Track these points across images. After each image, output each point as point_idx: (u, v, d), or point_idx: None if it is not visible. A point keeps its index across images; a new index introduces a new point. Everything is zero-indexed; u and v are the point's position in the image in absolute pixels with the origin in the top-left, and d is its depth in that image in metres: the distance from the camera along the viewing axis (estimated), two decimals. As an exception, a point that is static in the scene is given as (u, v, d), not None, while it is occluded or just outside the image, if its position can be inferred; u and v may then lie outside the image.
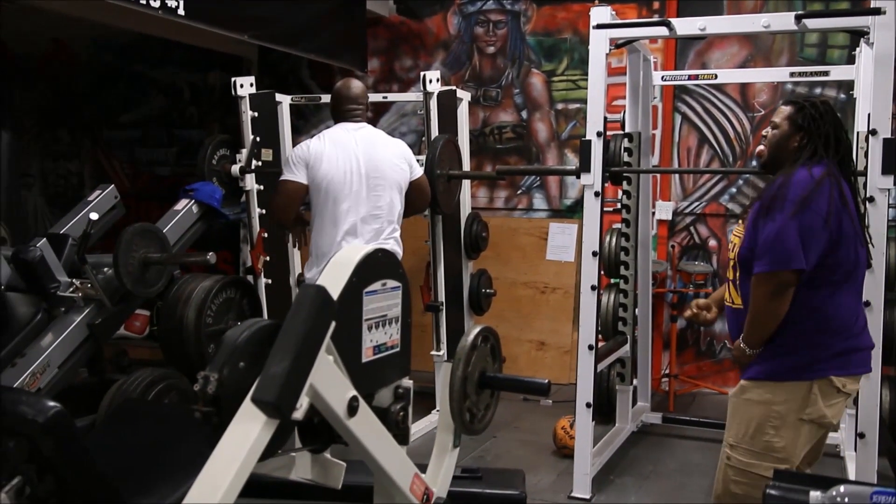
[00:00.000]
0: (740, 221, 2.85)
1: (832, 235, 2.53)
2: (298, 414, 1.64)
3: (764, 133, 2.72)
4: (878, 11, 3.15)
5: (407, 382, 2.10)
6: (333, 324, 1.69)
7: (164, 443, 2.21)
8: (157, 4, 4.09)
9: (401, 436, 2.05)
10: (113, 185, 3.72)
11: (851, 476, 3.76)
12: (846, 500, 1.73)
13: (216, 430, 1.63)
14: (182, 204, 4.04)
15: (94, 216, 3.43)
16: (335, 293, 1.78)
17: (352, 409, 1.75)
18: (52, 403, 1.71)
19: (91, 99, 7.78)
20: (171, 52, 7.11)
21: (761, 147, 2.73)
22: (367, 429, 1.82)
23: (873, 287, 3.42)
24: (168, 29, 4.70)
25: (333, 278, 1.84)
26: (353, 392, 1.77)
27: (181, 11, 4.25)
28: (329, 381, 1.68)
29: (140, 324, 6.45)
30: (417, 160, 3.95)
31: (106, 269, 3.36)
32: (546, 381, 2.19)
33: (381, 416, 2.00)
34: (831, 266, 2.56)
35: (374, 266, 1.94)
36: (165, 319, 3.40)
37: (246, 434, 1.57)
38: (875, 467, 3.48)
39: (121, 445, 2.17)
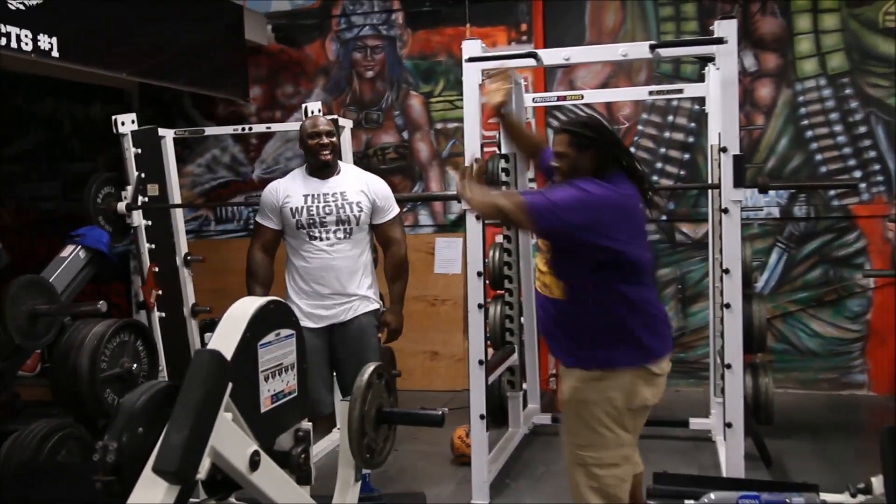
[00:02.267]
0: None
1: (635, 227, 2.72)
2: (201, 475, 1.63)
3: (554, 164, 2.75)
4: (721, 41, 3.32)
5: (306, 425, 2.11)
6: (230, 385, 1.69)
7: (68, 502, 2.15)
8: (28, 48, 3.94)
9: (304, 477, 2.06)
10: (-5, 235, 3.56)
11: (722, 461, 3.94)
12: (717, 506, 1.83)
13: (118, 498, 1.61)
14: (69, 250, 3.90)
15: (-19, 273, 3.28)
16: (230, 352, 1.78)
17: (254, 463, 1.75)
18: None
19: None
20: (50, 86, 6.83)
21: (556, 178, 2.76)
22: (270, 480, 1.82)
23: (731, 288, 3.61)
24: (47, 67, 4.53)
25: (227, 336, 1.83)
26: (254, 446, 1.77)
27: (55, 53, 4.09)
28: (229, 440, 1.68)
29: (31, 362, 6.17)
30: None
31: (-8, 324, 3.23)
32: (440, 412, 2.23)
33: (283, 460, 2.00)
34: (641, 263, 2.73)
35: (267, 318, 1.95)
36: (58, 368, 3.28)
37: (149, 501, 1.55)
38: (742, 452, 3.67)
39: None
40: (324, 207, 3.55)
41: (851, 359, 5.74)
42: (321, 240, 3.55)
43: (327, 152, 3.56)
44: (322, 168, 3.60)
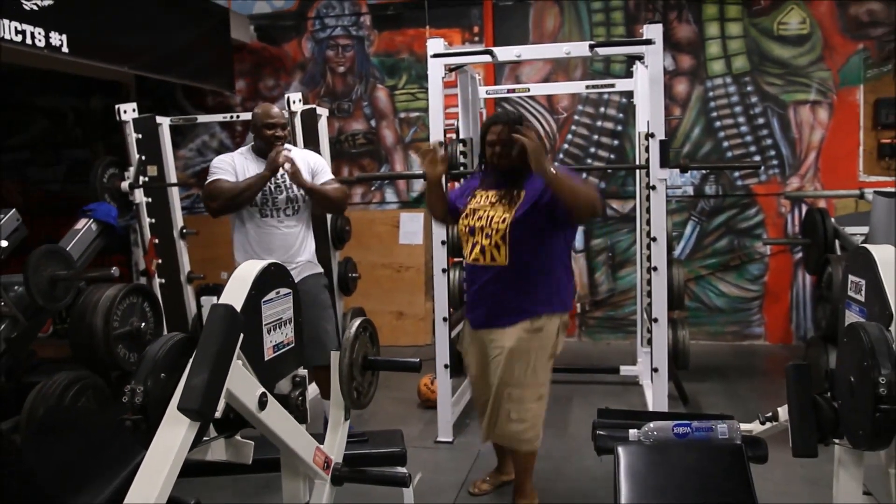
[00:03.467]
0: (479, 193, 2.94)
1: None
2: (217, 414, 1.63)
3: (496, 150, 2.82)
4: (649, 42, 3.36)
5: (302, 371, 2.12)
6: (242, 335, 1.69)
7: (91, 443, 2.13)
8: (42, 44, 3.83)
9: (300, 416, 2.07)
10: (14, 210, 3.45)
11: (649, 400, 4.04)
12: (655, 433, 1.89)
13: (145, 434, 1.60)
14: (82, 223, 3.82)
15: (3, 244, 3.18)
16: (239, 306, 1.78)
17: (262, 403, 1.76)
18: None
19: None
20: (54, 80, 6.63)
21: (499, 160, 2.83)
22: (275, 417, 1.83)
23: (658, 254, 3.67)
24: (53, 62, 4.40)
25: (236, 293, 1.83)
26: (262, 389, 1.77)
27: (65, 49, 3.99)
28: (241, 383, 1.68)
29: (45, 325, 6.05)
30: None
31: (17, 288, 3.14)
32: (418, 360, 2.25)
33: (283, 402, 2.01)
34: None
35: (269, 278, 1.94)
36: (76, 327, 3.22)
37: (174, 437, 1.55)
38: (666, 392, 3.76)
39: (51, 449, 2.07)
40: (275, 189, 3.40)
41: (751, 314, 5.90)
42: (272, 216, 3.41)
43: (280, 143, 3.40)
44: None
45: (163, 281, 4.68)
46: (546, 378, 2.91)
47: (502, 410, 2.86)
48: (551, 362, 2.94)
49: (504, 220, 2.80)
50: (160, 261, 4.62)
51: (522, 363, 2.83)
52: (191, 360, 1.61)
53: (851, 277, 2.01)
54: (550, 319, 2.86)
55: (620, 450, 1.77)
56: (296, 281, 3.49)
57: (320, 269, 3.65)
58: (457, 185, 3.74)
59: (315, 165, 3.55)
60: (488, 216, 2.85)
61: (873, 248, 1.89)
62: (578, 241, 6.09)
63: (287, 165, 3.25)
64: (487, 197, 2.91)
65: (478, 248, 2.86)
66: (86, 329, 3.17)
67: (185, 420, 1.57)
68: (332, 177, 3.59)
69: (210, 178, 3.39)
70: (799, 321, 5.84)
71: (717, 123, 5.84)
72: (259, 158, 3.46)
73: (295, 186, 3.45)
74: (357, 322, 2.15)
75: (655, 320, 3.62)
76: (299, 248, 3.51)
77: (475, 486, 3.25)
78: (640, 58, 3.64)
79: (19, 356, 3.32)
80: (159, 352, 1.69)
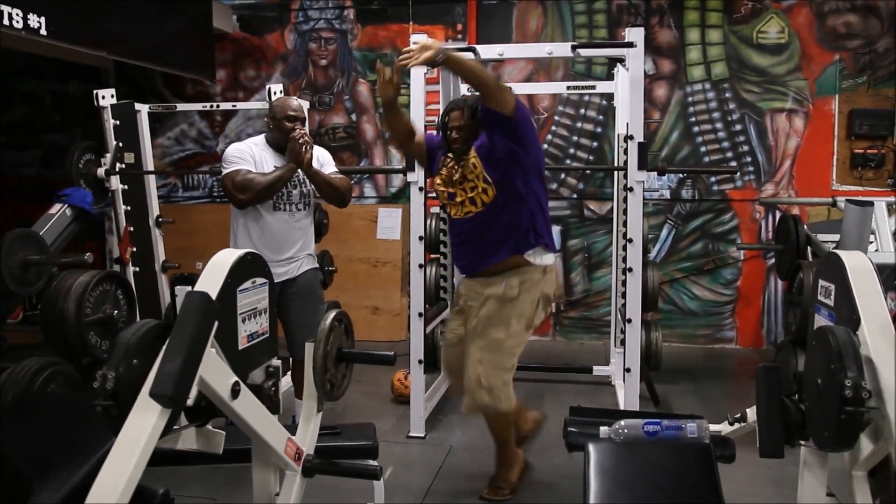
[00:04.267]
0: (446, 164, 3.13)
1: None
2: (190, 402, 1.62)
3: (454, 136, 3.04)
4: (631, 45, 3.39)
5: (276, 362, 2.11)
6: (216, 323, 1.68)
7: (62, 429, 2.10)
8: (19, 25, 3.77)
9: (273, 407, 2.06)
10: (-13, 194, 3.42)
11: (621, 400, 4.07)
12: (626, 431, 1.91)
13: (116, 420, 1.59)
14: (56, 208, 3.78)
15: (-27, 226, 3.15)
16: (214, 294, 1.77)
17: (234, 392, 1.75)
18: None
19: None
20: (33, 63, 6.54)
21: (456, 145, 3.05)
22: (248, 407, 1.82)
23: (634, 255, 3.70)
24: (32, 45, 4.33)
25: (211, 281, 1.81)
26: (235, 378, 1.76)
27: (43, 31, 3.93)
28: (214, 371, 1.67)
29: (15, 310, 5.97)
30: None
31: (-13, 272, 3.10)
32: (392, 353, 2.26)
33: (256, 392, 2.00)
34: (542, 169, 3.12)
35: (245, 267, 1.93)
36: (47, 312, 3.17)
37: (145, 423, 1.54)
38: (638, 392, 3.80)
39: (21, 434, 2.04)
40: (290, 184, 3.40)
41: (723, 318, 5.97)
42: (284, 210, 3.42)
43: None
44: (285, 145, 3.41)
45: (137, 269, 4.63)
46: (524, 340, 3.05)
47: (473, 373, 2.95)
48: (529, 332, 3.07)
49: (475, 166, 3.00)
50: (134, 249, 4.58)
51: (503, 321, 2.97)
52: (164, 347, 1.60)
53: (821, 282, 2.04)
54: (537, 258, 3.03)
55: (591, 447, 1.79)
56: (297, 273, 3.54)
57: (317, 265, 3.68)
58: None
59: (322, 157, 3.56)
60: (462, 174, 3.04)
61: (843, 254, 1.92)
62: (555, 241, 6.11)
63: (304, 145, 3.32)
64: (455, 169, 3.09)
65: (467, 202, 3.03)
66: (57, 315, 3.13)
67: (157, 407, 1.55)
68: (337, 170, 3.61)
69: (230, 168, 3.33)
70: (770, 326, 5.91)
71: (696, 128, 5.90)
72: (274, 151, 3.43)
73: (308, 182, 3.45)
74: (332, 314, 2.15)
75: (629, 321, 3.65)
76: (305, 243, 3.52)
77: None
78: (621, 60, 3.67)
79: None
80: (132, 338, 1.67)
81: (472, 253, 3.09)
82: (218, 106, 5.19)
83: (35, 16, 3.86)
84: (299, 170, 3.37)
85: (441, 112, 3.19)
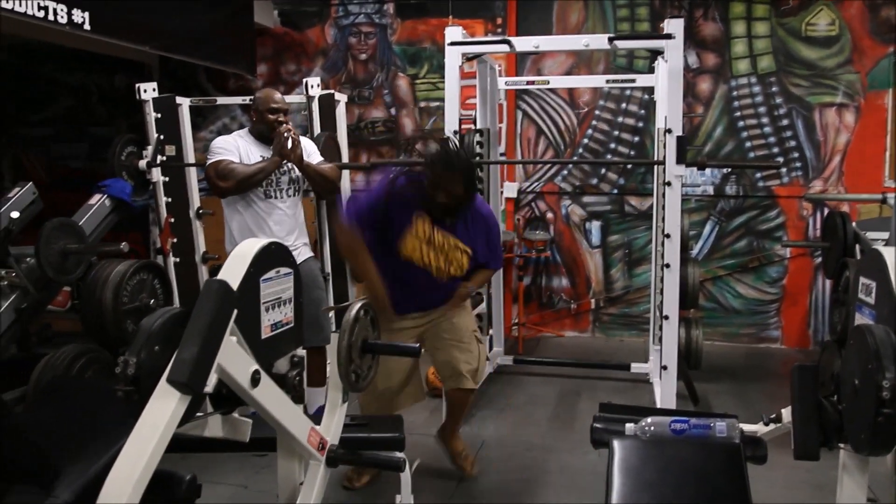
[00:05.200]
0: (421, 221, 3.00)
1: None
2: (209, 388, 1.62)
3: (449, 203, 2.95)
4: (670, 37, 3.31)
5: (301, 352, 2.10)
6: (235, 311, 1.68)
7: (90, 414, 2.12)
8: (63, 21, 3.85)
9: (297, 397, 2.06)
10: (31, 183, 3.48)
11: (657, 398, 4.00)
12: (652, 428, 1.85)
13: (136, 406, 1.60)
14: (96, 198, 3.84)
15: (14, 215, 3.22)
16: (235, 283, 1.76)
17: (254, 380, 1.74)
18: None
19: (6, 101, 7.23)
20: (78, 58, 6.67)
21: (448, 217, 3.01)
22: (268, 395, 1.82)
23: (671, 251, 3.64)
24: (77, 40, 4.42)
25: (234, 271, 1.82)
26: (256, 366, 1.76)
27: (87, 26, 4.01)
28: (234, 359, 1.67)
29: (62, 298, 6.08)
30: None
31: (29, 259, 3.16)
32: (418, 345, 2.24)
33: (280, 381, 2.00)
34: None
35: (269, 257, 1.93)
36: (86, 301, 3.23)
37: (164, 409, 1.54)
38: (675, 390, 3.73)
39: (50, 418, 2.08)
40: (280, 170, 3.50)
41: (768, 317, 5.82)
42: (275, 197, 3.52)
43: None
44: (270, 137, 3.50)
45: (177, 260, 4.69)
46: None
47: (458, 361, 3.12)
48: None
49: (462, 265, 3.03)
50: (175, 240, 4.63)
51: (465, 322, 3.19)
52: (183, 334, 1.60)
53: (862, 280, 1.96)
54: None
55: (615, 443, 1.74)
56: (297, 262, 3.58)
57: (313, 253, 3.79)
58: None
59: (308, 147, 3.67)
60: (447, 255, 2.99)
61: (885, 251, 1.84)
62: (595, 236, 6.05)
63: (290, 139, 3.38)
64: (434, 229, 2.98)
65: (430, 259, 2.97)
66: (95, 303, 3.18)
67: (176, 393, 1.56)
68: (322, 159, 3.73)
69: (214, 158, 3.46)
70: (817, 326, 5.75)
71: (741, 123, 5.76)
72: (259, 142, 3.55)
73: (296, 169, 3.55)
74: (357, 305, 2.14)
75: (666, 317, 3.59)
76: (299, 231, 3.64)
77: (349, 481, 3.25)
78: (661, 53, 3.59)
79: (29, 327, 3.34)
80: (154, 324, 1.68)
81: (417, 300, 3.12)
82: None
83: (79, 11, 3.94)
84: (288, 148, 3.43)
85: (435, 164, 2.87)
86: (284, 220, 3.56)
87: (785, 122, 5.68)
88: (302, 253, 3.61)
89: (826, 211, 5.44)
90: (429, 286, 3.07)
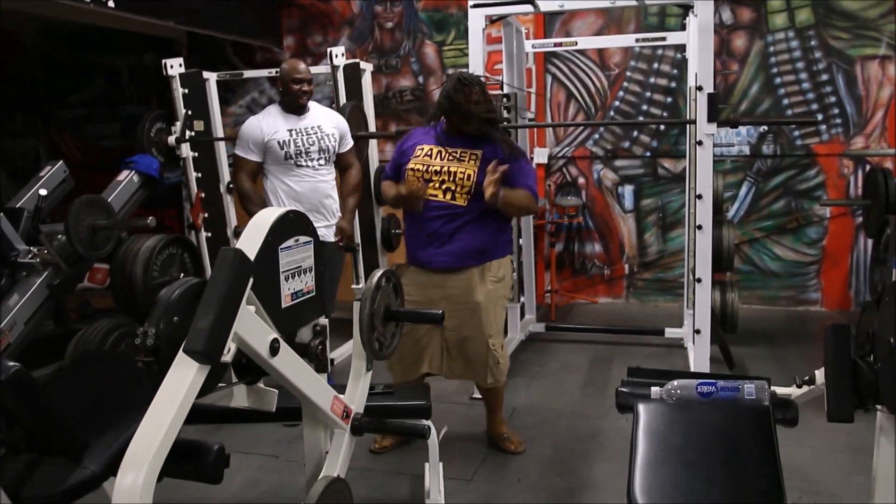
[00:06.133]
0: (432, 148, 3.03)
1: None
2: (227, 357, 1.63)
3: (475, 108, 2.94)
4: (699, -12, 3.20)
5: (323, 321, 2.10)
6: (251, 280, 1.67)
7: (119, 386, 2.16)
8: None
9: (320, 365, 2.06)
10: (62, 161, 3.53)
11: (691, 362, 3.94)
12: (678, 391, 1.82)
13: (156, 376, 1.61)
14: (124, 175, 3.89)
15: (43, 192, 3.27)
16: (253, 253, 1.76)
17: (273, 349, 1.75)
18: (11, 364, 1.64)
19: (41, 83, 7.33)
20: (109, 38, 6.74)
21: (473, 125, 2.97)
22: (288, 364, 1.82)
23: (703, 212, 3.55)
24: (104, 19, 4.44)
25: (251, 240, 1.81)
26: (274, 335, 1.76)
27: (111, 3, 4.02)
28: (251, 328, 1.67)
29: (101, 276, 6.22)
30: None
31: (60, 236, 3.22)
32: (441, 311, 2.22)
33: (303, 351, 2.00)
34: None
35: (287, 225, 1.92)
36: (116, 275, 3.28)
37: (182, 379, 1.55)
38: (708, 354, 3.67)
39: (81, 391, 2.11)
40: (307, 139, 3.59)
41: (807, 279, 5.68)
42: (306, 167, 3.60)
43: (306, 98, 3.60)
44: (299, 108, 3.62)
45: (209, 235, 4.74)
46: (504, 318, 3.23)
47: (490, 357, 3.03)
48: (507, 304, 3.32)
49: (469, 178, 2.94)
50: (206, 215, 4.67)
51: (493, 315, 3.04)
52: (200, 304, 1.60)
53: (900, 234, 1.88)
54: (503, 263, 3.10)
55: (641, 407, 1.71)
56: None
57: (336, 238, 3.80)
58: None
59: (343, 129, 3.78)
60: (450, 170, 2.96)
61: (924, 203, 1.76)
62: (628, 201, 5.94)
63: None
64: (447, 153, 3.00)
65: (437, 188, 2.96)
66: (126, 278, 3.22)
67: (194, 364, 1.56)
68: (352, 143, 3.84)
69: (238, 153, 3.60)
70: (858, 287, 5.60)
71: (778, 80, 5.57)
72: (288, 115, 3.63)
73: (326, 137, 3.65)
74: (379, 273, 2.12)
75: (699, 280, 3.52)
76: (332, 199, 3.71)
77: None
78: (691, 7, 3.47)
79: (64, 304, 3.41)
80: (173, 295, 1.69)
81: (443, 249, 3.04)
82: (284, 72, 5.20)
83: (102, -12, 3.95)
84: (314, 125, 3.62)
85: (445, 87, 3.01)
86: (319, 188, 3.63)
87: (824, 77, 5.49)
88: (326, 236, 3.64)
89: (868, 168, 5.25)
90: (448, 227, 2.98)
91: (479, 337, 3.00)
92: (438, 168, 2.97)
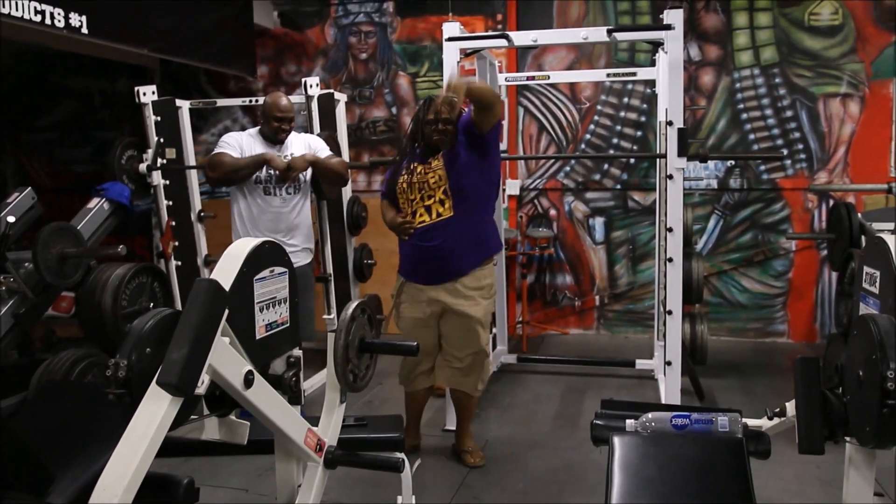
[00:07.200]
0: (408, 169, 3.27)
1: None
2: (201, 390, 1.60)
3: (441, 126, 3.16)
4: (669, 27, 3.28)
5: (297, 352, 2.08)
6: (226, 311, 1.65)
7: (85, 418, 2.11)
8: (61, 24, 3.83)
9: (294, 397, 2.04)
10: (30, 188, 3.47)
11: (662, 394, 3.96)
12: (653, 424, 1.83)
13: (128, 409, 1.58)
14: (94, 202, 3.84)
15: (10, 219, 3.20)
16: (228, 283, 1.74)
17: (248, 381, 1.72)
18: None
19: (9, 106, 7.23)
20: (82, 63, 6.68)
21: (441, 137, 3.19)
22: (263, 396, 1.80)
23: (674, 245, 3.59)
24: (78, 45, 4.41)
25: (226, 270, 1.79)
26: (249, 367, 1.74)
27: (84, 30, 3.99)
28: (226, 360, 1.65)
29: (66, 304, 6.09)
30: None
31: (27, 264, 3.16)
32: (416, 343, 2.21)
33: (277, 382, 1.98)
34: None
35: (262, 256, 1.91)
36: (85, 304, 3.22)
37: (154, 411, 1.52)
38: (679, 385, 3.69)
39: (48, 422, 2.06)
40: (273, 170, 3.66)
41: (774, 311, 5.77)
42: (275, 195, 3.69)
43: (285, 134, 3.73)
44: (278, 141, 3.75)
45: (179, 263, 4.68)
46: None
47: (473, 368, 3.29)
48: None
49: (442, 178, 3.16)
50: (177, 243, 4.63)
51: (484, 326, 3.26)
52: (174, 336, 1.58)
53: (866, 269, 1.93)
54: (487, 273, 3.28)
55: (616, 440, 1.71)
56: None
57: (310, 259, 3.93)
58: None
59: (315, 145, 3.87)
60: (426, 180, 3.18)
61: (889, 238, 1.81)
62: (599, 233, 6.00)
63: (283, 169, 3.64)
64: (421, 167, 3.23)
65: (422, 209, 3.18)
66: (94, 307, 3.17)
67: (167, 396, 1.54)
68: (331, 153, 3.93)
69: (215, 150, 3.69)
70: (824, 319, 5.69)
71: (744, 115, 5.71)
72: (266, 142, 3.74)
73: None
74: (354, 304, 2.11)
75: (669, 312, 3.55)
76: (298, 228, 3.78)
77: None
78: (661, 44, 3.55)
79: (30, 332, 3.33)
80: (146, 326, 1.66)
81: (431, 266, 3.24)
82: (257, 101, 5.19)
83: (76, 14, 3.93)
84: (286, 154, 3.68)
85: (418, 110, 3.32)
86: (287, 217, 3.70)
87: (789, 113, 5.63)
88: (297, 259, 3.65)
89: (831, 202, 5.38)
90: (436, 243, 3.16)
91: (472, 348, 3.24)
92: (416, 181, 3.20)
